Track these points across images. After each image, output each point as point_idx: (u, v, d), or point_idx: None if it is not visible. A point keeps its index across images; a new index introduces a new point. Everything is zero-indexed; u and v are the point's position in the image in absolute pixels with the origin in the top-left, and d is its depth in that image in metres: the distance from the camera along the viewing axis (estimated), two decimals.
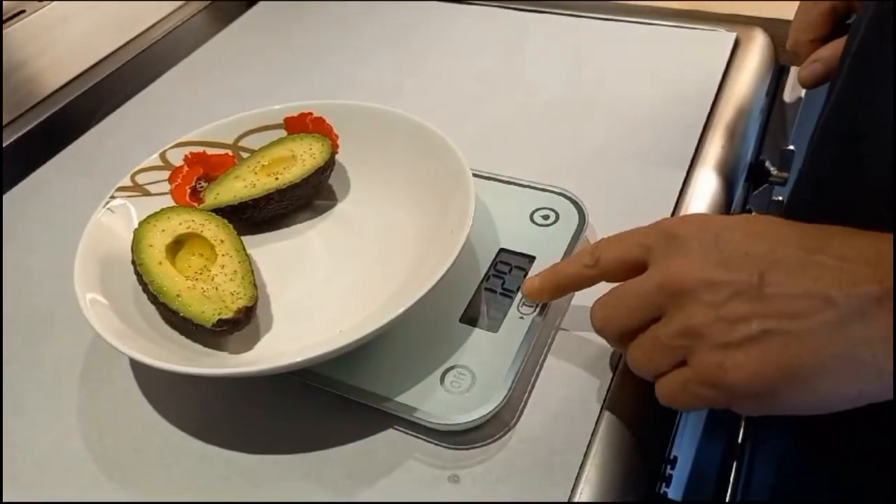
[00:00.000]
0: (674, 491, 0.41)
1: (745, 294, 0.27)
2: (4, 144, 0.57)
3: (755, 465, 0.61)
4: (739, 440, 0.63)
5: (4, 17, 0.59)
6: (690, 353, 0.28)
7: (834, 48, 0.41)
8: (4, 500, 0.34)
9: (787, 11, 0.59)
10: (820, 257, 0.27)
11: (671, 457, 0.40)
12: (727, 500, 0.56)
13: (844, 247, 0.27)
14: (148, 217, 0.41)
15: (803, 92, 0.67)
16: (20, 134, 0.58)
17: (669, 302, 0.29)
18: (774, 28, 0.59)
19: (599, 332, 0.33)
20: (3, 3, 0.59)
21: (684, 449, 0.52)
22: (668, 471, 0.40)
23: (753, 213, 0.34)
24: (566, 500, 0.31)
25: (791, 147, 0.65)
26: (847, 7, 0.42)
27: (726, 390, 0.27)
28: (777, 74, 0.61)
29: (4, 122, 0.58)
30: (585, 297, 0.36)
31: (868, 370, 0.25)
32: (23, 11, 0.60)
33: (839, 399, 0.26)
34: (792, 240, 0.28)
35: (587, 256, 0.34)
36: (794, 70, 0.64)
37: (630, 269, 0.32)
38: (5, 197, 0.52)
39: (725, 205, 0.46)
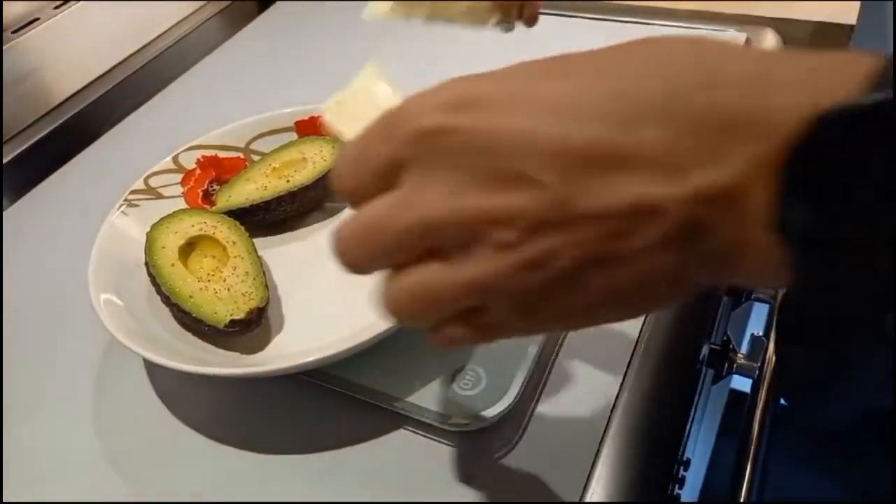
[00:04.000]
0: (687, 494, 0.41)
1: (548, 222, 0.18)
2: (21, 150, 0.58)
3: (769, 468, 0.60)
4: (753, 442, 0.62)
5: (20, 25, 0.60)
6: (484, 309, 0.21)
7: None
8: (16, 499, 0.34)
9: (798, 11, 0.59)
10: (641, 133, 0.17)
11: (684, 458, 0.40)
12: (741, 502, 0.55)
13: (676, 108, 0.17)
14: (161, 219, 0.41)
15: None
16: (36, 139, 0.59)
17: (443, 243, 0.20)
18: (785, 28, 0.59)
19: (349, 270, 0.23)
20: (19, 9, 0.60)
21: (698, 451, 0.51)
22: (681, 472, 0.39)
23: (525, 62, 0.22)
24: (577, 500, 0.31)
25: None
26: None
27: (541, 331, 0.22)
28: None
29: (21, 127, 0.59)
30: None
31: (708, 282, 0.19)
32: (37, 19, 0.61)
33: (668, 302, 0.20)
34: (596, 109, 0.18)
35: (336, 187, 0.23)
36: None
37: (379, 189, 0.21)
38: (21, 201, 0.53)
39: None
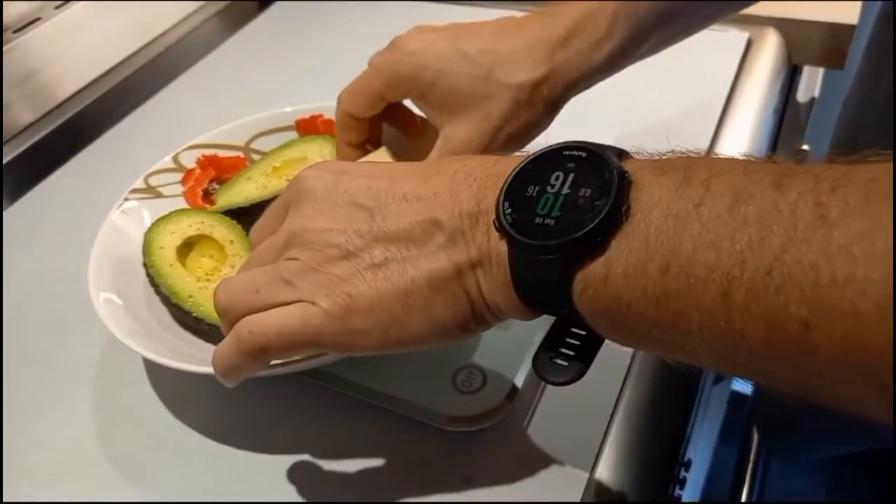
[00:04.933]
0: (688, 494, 0.41)
1: (366, 229, 0.27)
2: (21, 149, 0.58)
3: (770, 470, 0.60)
4: (754, 444, 0.62)
5: (21, 25, 0.60)
6: (312, 289, 0.27)
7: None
8: (15, 499, 0.34)
9: (800, 11, 0.59)
10: (434, 184, 0.27)
11: (685, 459, 0.40)
12: (742, 503, 0.55)
13: (458, 171, 0.27)
14: (158, 220, 0.41)
15: (817, 92, 0.67)
16: (37, 139, 0.59)
17: (293, 247, 0.28)
18: (787, 28, 0.59)
19: (223, 312, 0.29)
20: (20, 9, 0.60)
21: (700, 453, 0.51)
22: (682, 473, 0.39)
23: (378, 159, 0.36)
24: (578, 500, 0.31)
25: (805, 147, 0.64)
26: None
27: (349, 320, 0.26)
28: (790, 74, 0.61)
29: (21, 127, 0.59)
30: None
31: (474, 291, 0.26)
32: (38, 19, 0.61)
33: (456, 322, 0.26)
34: (411, 174, 0.28)
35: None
36: (807, 70, 0.64)
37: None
38: (21, 200, 0.53)
39: None
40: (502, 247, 0.25)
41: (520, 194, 0.24)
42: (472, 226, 0.25)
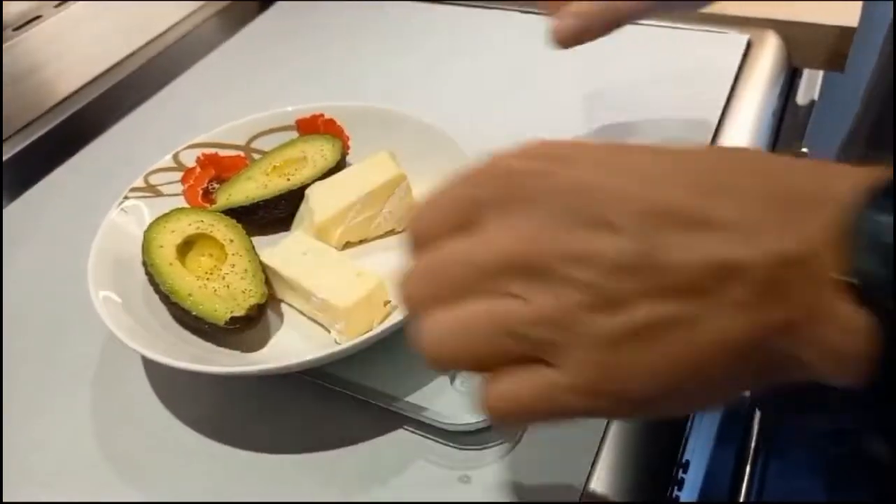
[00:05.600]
0: (687, 495, 0.41)
1: (629, 267, 0.19)
2: (21, 147, 0.58)
3: (768, 471, 0.60)
4: (753, 445, 0.62)
5: (21, 23, 0.60)
6: (552, 349, 0.20)
7: (595, 4, 0.34)
8: (16, 499, 0.34)
9: (800, 13, 0.59)
10: (718, 203, 0.19)
11: (683, 461, 0.40)
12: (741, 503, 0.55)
13: (758, 185, 0.19)
14: (157, 218, 0.41)
15: (816, 94, 0.67)
16: (36, 137, 0.59)
17: (515, 281, 0.20)
18: (787, 30, 0.59)
19: (412, 314, 0.22)
20: (20, 7, 0.60)
21: (697, 454, 0.51)
22: (681, 475, 0.39)
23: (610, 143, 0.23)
24: (577, 501, 0.31)
25: (805, 150, 0.64)
26: None
27: (610, 399, 0.20)
28: (790, 76, 0.61)
29: (21, 125, 0.59)
30: None
31: (789, 363, 0.19)
32: (38, 17, 0.61)
33: (746, 390, 0.21)
34: (678, 177, 0.19)
35: (411, 237, 0.23)
36: (807, 72, 0.64)
37: (458, 234, 0.22)
38: (21, 199, 0.53)
39: None
40: (852, 310, 0.17)
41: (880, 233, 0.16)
42: (791, 274, 0.18)
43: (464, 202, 0.22)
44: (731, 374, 0.19)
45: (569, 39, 0.34)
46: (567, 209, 0.20)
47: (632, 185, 0.19)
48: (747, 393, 0.19)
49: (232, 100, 0.60)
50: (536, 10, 0.65)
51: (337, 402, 0.35)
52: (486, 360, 0.21)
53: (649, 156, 0.21)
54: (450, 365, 0.21)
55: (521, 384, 0.20)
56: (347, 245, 0.42)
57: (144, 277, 0.38)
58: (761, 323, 0.18)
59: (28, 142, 0.58)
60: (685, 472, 0.40)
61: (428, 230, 0.22)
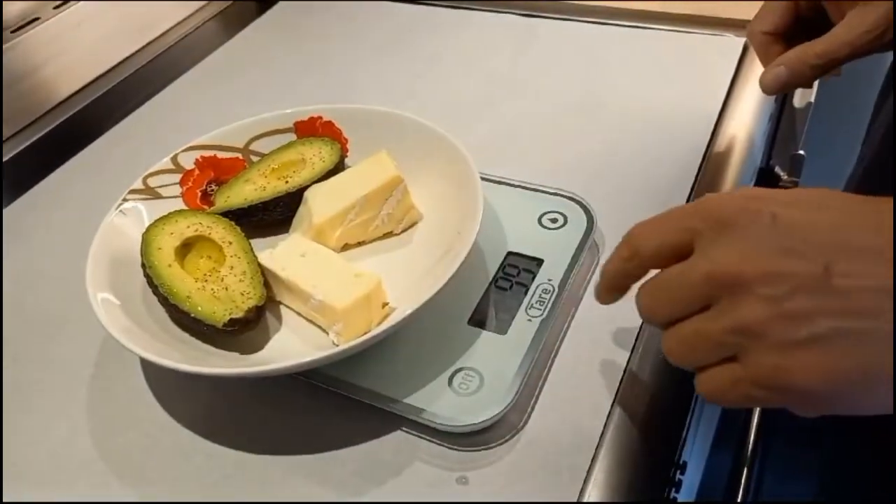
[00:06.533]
0: (684, 496, 0.41)
1: (810, 288, 0.24)
2: (20, 149, 0.58)
3: (765, 472, 0.60)
4: (750, 447, 0.63)
5: (20, 24, 0.60)
6: (743, 351, 0.25)
7: (801, 52, 0.38)
8: (12, 499, 0.34)
9: None
10: (890, 238, 0.23)
11: (681, 462, 0.40)
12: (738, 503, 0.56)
13: None
14: (156, 220, 0.41)
15: (813, 97, 0.67)
16: (35, 138, 0.59)
17: (720, 294, 0.26)
18: None
19: (646, 321, 0.30)
20: (19, 8, 0.60)
21: (695, 455, 0.51)
22: (678, 476, 0.39)
23: (806, 187, 0.29)
24: (574, 501, 0.31)
25: (801, 152, 0.64)
26: (813, 8, 0.40)
27: (785, 392, 0.25)
28: None
29: (20, 127, 0.59)
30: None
31: None
32: (37, 18, 0.61)
33: None
34: (855, 217, 0.25)
35: (624, 249, 0.30)
36: None
37: (674, 256, 0.28)
38: (20, 200, 0.53)
39: None
40: None
41: None
42: None
43: (676, 231, 0.28)
44: (889, 380, 0.23)
45: (778, 89, 0.40)
46: (765, 238, 0.25)
47: (823, 226, 0.25)
48: None
49: (231, 102, 0.60)
50: (536, 13, 0.65)
51: (335, 403, 0.35)
52: (700, 363, 0.27)
53: (841, 198, 0.26)
54: (682, 366, 0.28)
55: (717, 378, 0.26)
56: (346, 247, 0.43)
57: (142, 279, 0.39)
58: None
59: (27, 143, 0.58)
60: (682, 473, 0.40)
61: (654, 255, 0.29)
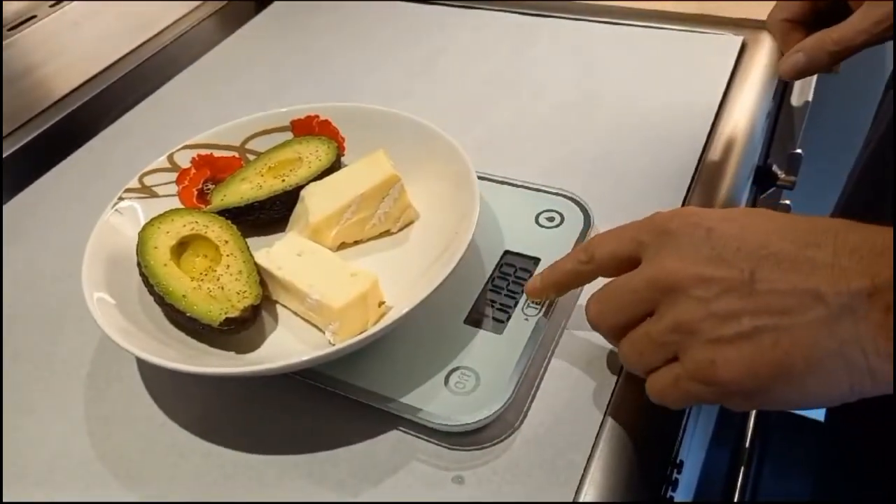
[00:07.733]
0: (681, 496, 0.41)
1: (736, 290, 0.27)
2: (16, 147, 0.58)
3: (762, 472, 0.60)
4: (747, 446, 0.63)
5: (17, 23, 0.60)
6: (681, 349, 0.28)
7: (818, 40, 0.39)
8: (9, 499, 0.34)
9: None
10: (812, 252, 0.26)
11: (677, 461, 0.40)
12: (735, 502, 0.56)
13: (838, 241, 0.26)
14: (152, 219, 0.41)
15: (811, 96, 0.67)
16: (32, 137, 0.59)
17: (661, 298, 0.29)
18: None
19: (594, 328, 0.33)
20: (15, 7, 0.60)
21: (692, 454, 0.51)
22: (675, 475, 0.39)
23: (746, 207, 0.33)
24: (571, 500, 0.31)
25: (799, 151, 0.64)
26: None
27: (717, 387, 0.27)
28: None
29: (17, 125, 0.59)
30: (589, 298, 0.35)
31: (858, 368, 0.25)
32: (34, 17, 0.61)
33: (830, 395, 0.26)
34: (785, 234, 0.27)
35: (582, 253, 0.34)
36: None
37: (624, 264, 0.31)
38: (16, 199, 0.53)
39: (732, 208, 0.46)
40: None
41: None
42: (863, 303, 0.25)
43: (628, 242, 0.31)
44: (816, 375, 0.26)
45: (796, 74, 0.41)
46: (699, 248, 0.28)
47: (750, 236, 0.28)
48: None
49: (228, 100, 0.60)
50: (533, 12, 0.65)
51: (331, 402, 0.35)
52: (648, 366, 0.30)
53: (750, 217, 0.29)
54: (635, 371, 0.31)
55: (661, 378, 0.30)
56: (342, 246, 0.42)
57: (138, 278, 0.38)
58: (840, 336, 0.25)
59: (23, 142, 0.58)
60: (679, 472, 0.40)
61: (608, 262, 0.32)
